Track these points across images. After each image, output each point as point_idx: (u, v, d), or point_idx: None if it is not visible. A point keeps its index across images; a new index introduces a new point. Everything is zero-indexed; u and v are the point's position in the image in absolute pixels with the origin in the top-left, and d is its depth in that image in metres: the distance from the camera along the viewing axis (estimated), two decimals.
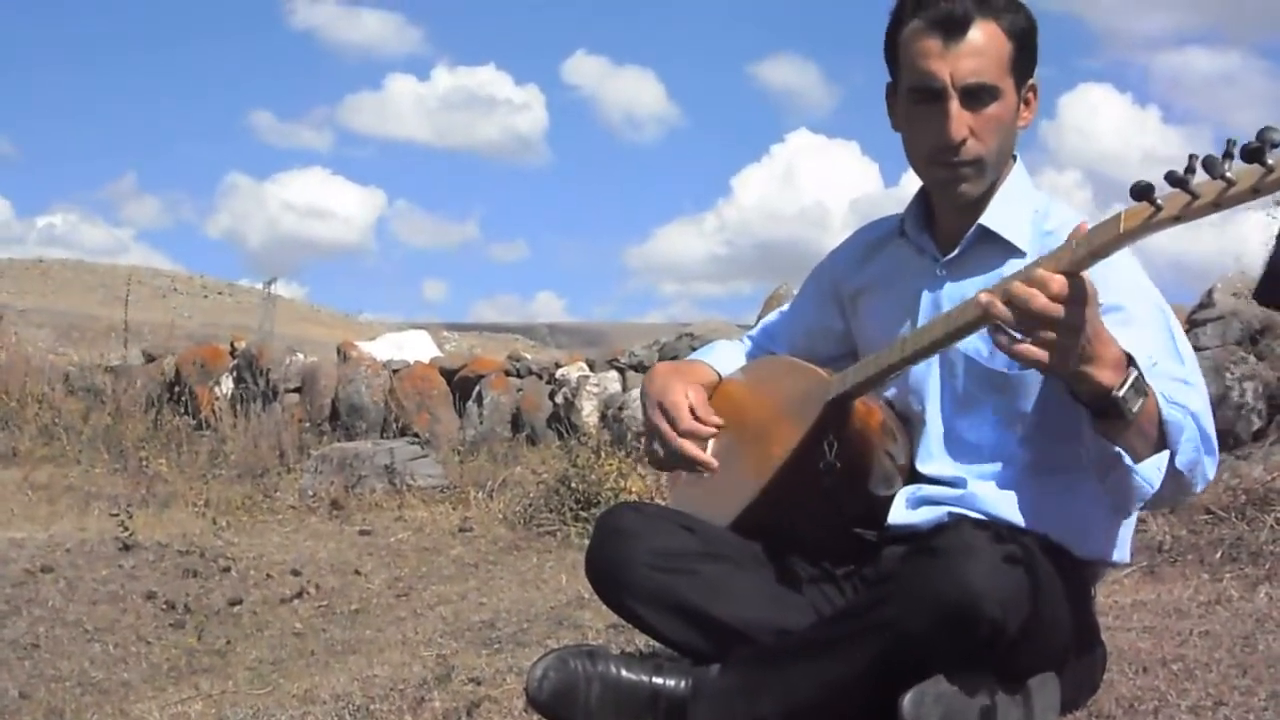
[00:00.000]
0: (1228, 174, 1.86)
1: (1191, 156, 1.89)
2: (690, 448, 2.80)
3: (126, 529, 6.58)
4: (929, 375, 2.67)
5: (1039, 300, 2.05)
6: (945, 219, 2.70)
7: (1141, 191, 1.95)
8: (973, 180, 2.59)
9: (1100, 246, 2.06)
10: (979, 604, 2.25)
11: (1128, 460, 2.25)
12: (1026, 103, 2.63)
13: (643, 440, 3.00)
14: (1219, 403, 5.63)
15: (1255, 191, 1.86)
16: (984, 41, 2.53)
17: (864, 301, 2.88)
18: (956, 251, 2.66)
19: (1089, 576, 2.67)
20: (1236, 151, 1.84)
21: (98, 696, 4.53)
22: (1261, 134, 1.81)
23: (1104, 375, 2.14)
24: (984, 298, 2.12)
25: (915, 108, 2.58)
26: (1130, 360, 2.19)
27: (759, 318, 8.71)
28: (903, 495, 2.66)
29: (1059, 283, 2.06)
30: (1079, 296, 2.07)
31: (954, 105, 2.53)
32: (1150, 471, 2.27)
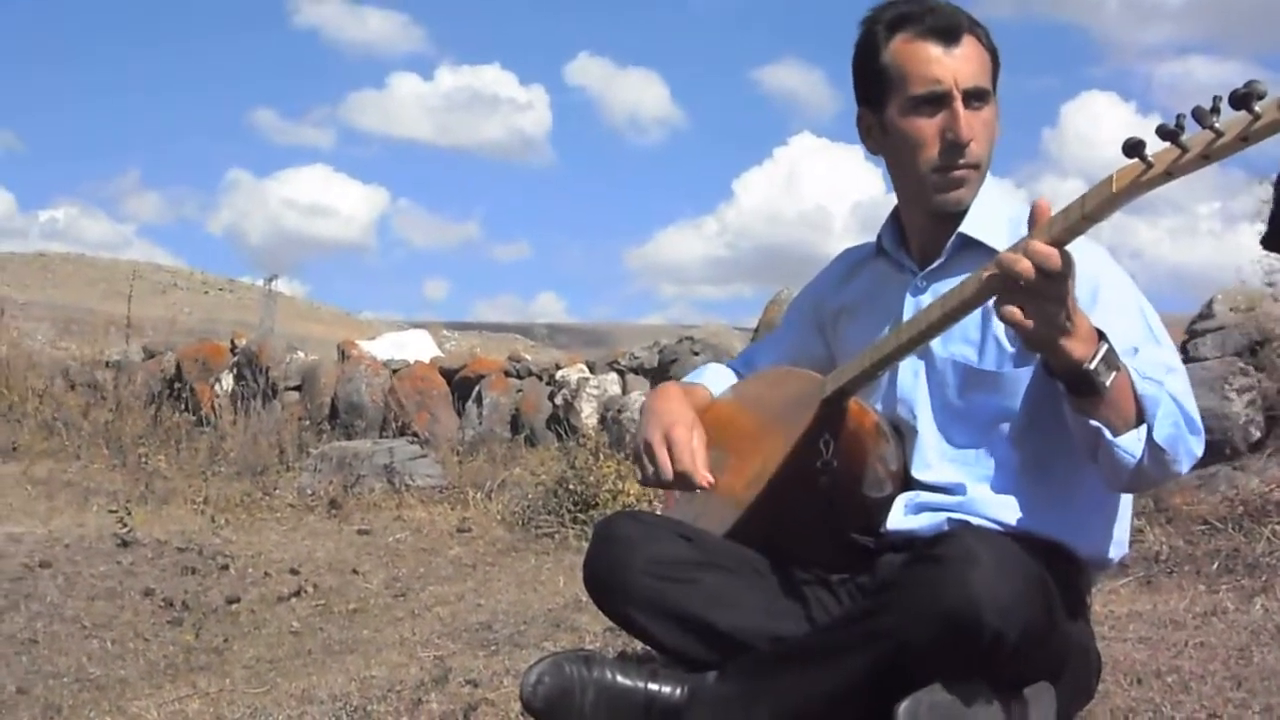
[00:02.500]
0: (1216, 125, 1.88)
1: (1179, 116, 1.92)
2: (679, 481, 2.79)
3: (125, 525, 6.59)
4: (917, 385, 2.69)
5: (1029, 269, 2.12)
6: (921, 235, 2.74)
7: (1132, 148, 1.98)
8: (971, 185, 2.63)
9: (1094, 209, 2.10)
10: (980, 614, 2.25)
11: (1107, 434, 2.29)
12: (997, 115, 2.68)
13: (633, 453, 2.99)
14: (1217, 415, 5.64)
15: (1243, 140, 1.87)
16: (974, 50, 2.61)
17: (846, 320, 2.90)
18: (940, 260, 2.68)
19: (1085, 584, 2.69)
20: (1224, 104, 1.86)
21: (95, 693, 4.52)
22: (1249, 84, 1.83)
23: (1076, 348, 2.21)
24: (994, 267, 2.18)
25: (916, 119, 2.60)
26: (1101, 335, 2.26)
27: (759, 322, 8.74)
28: (901, 501, 2.66)
29: (1053, 254, 2.11)
30: (1066, 269, 2.14)
31: (960, 106, 2.57)
32: (1131, 443, 2.30)
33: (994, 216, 2.65)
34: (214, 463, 9.50)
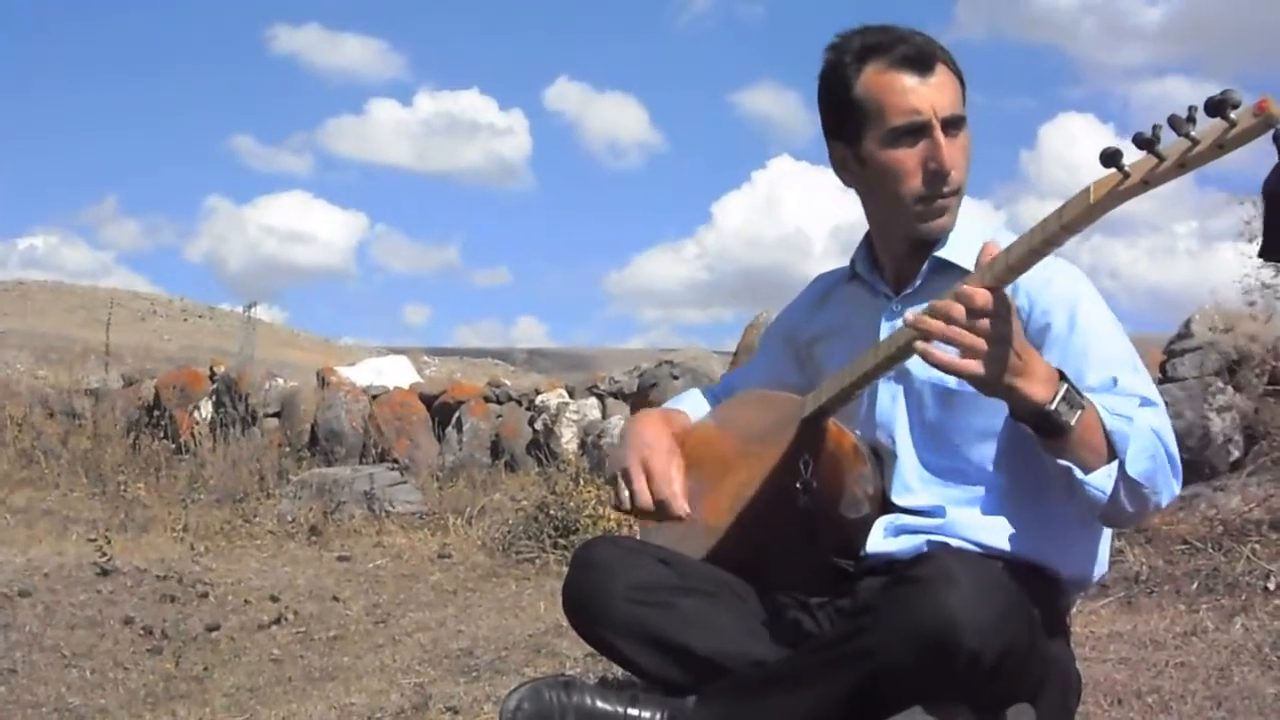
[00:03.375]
0: (1192, 133, 1.88)
1: (1155, 126, 1.92)
2: (658, 510, 2.79)
3: (105, 554, 6.57)
4: (895, 409, 2.69)
5: (960, 311, 2.13)
6: (896, 260, 2.73)
7: (1109, 157, 1.98)
8: (953, 211, 2.63)
9: (1072, 220, 2.09)
10: (958, 634, 2.25)
11: (1078, 473, 2.28)
12: None
13: (609, 477, 2.99)
14: (1196, 434, 5.66)
15: (1220, 147, 1.88)
16: (946, 76, 2.60)
17: (822, 347, 2.89)
18: (916, 285, 2.68)
19: (1065, 604, 2.69)
20: (1199, 112, 1.87)
21: None
22: (1224, 92, 1.84)
23: (1035, 390, 2.21)
24: (909, 316, 2.20)
25: (897, 151, 2.58)
26: (1061, 375, 2.25)
27: (738, 345, 8.74)
28: (881, 524, 2.66)
29: (984, 296, 2.12)
30: (1002, 310, 2.14)
31: (941, 135, 2.55)
32: (1101, 480, 2.29)
33: (968, 238, 2.64)
34: (193, 490, 9.45)
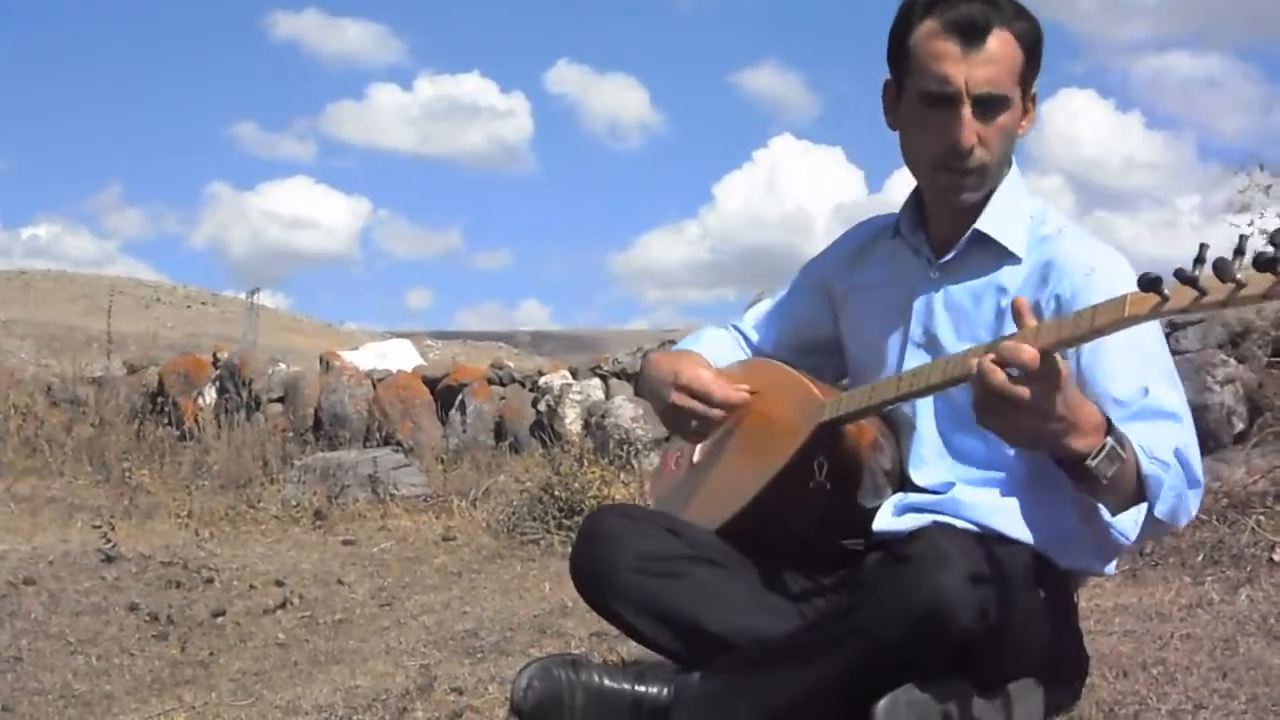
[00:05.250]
0: (1239, 276, 1.86)
1: (1202, 246, 1.89)
2: (725, 410, 2.82)
3: (109, 540, 6.55)
4: None
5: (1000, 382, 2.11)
6: (940, 222, 2.71)
7: (1150, 284, 1.95)
8: (974, 188, 2.60)
9: (1105, 325, 2.07)
10: (950, 612, 2.25)
11: (1105, 515, 2.28)
12: (1026, 110, 2.63)
13: (664, 424, 2.97)
14: (1200, 407, 5.64)
15: (1265, 297, 1.87)
16: (999, 50, 2.53)
17: (856, 301, 2.88)
18: (952, 255, 2.66)
19: (1070, 584, 2.68)
20: (1248, 252, 1.85)
21: (81, 709, 4.51)
22: (1275, 238, 1.80)
23: (1079, 444, 2.19)
24: (974, 363, 2.17)
25: (924, 111, 2.57)
26: (1109, 427, 2.22)
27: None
28: (890, 502, 2.66)
29: (1030, 354, 2.09)
30: (1049, 371, 2.11)
31: (966, 112, 2.53)
32: (1127, 524, 2.30)
33: (1012, 213, 2.63)
34: (198, 476, 9.45)
